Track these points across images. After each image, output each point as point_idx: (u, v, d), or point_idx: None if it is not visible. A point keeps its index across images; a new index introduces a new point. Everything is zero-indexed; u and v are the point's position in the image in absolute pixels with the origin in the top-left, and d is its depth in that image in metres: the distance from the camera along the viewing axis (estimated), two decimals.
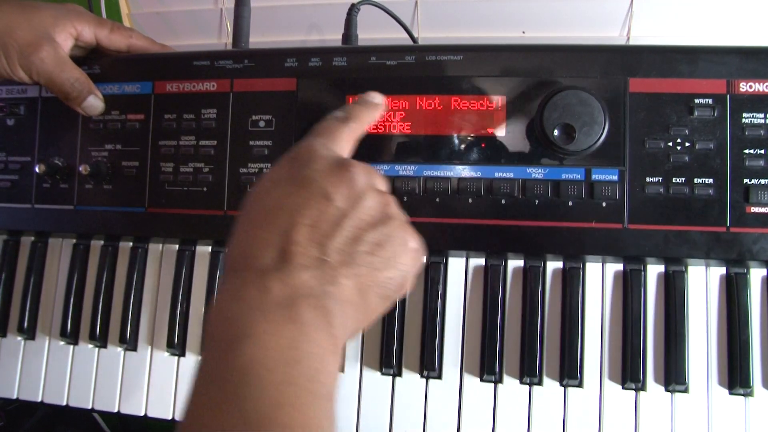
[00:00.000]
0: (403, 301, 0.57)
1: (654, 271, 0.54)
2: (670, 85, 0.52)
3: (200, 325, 0.61)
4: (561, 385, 0.54)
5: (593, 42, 0.60)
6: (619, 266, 0.55)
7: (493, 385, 0.55)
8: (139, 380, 0.61)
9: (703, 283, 0.53)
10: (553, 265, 0.56)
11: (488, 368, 0.54)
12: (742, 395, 0.51)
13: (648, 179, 0.52)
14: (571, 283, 0.54)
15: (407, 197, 0.55)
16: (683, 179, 0.51)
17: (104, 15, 0.87)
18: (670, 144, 0.52)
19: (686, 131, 0.51)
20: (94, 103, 0.60)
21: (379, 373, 0.57)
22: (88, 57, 0.63)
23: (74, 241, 0.65)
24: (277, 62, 0.58)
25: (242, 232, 0.40)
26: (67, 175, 0.62)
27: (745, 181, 0.51)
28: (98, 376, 0.62)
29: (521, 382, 0.54)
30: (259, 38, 0.80)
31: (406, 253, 0.42)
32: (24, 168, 0.63)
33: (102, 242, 0.64)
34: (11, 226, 0.64)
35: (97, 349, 0.63)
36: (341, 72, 0.57)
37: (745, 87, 0.51)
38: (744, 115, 0.51)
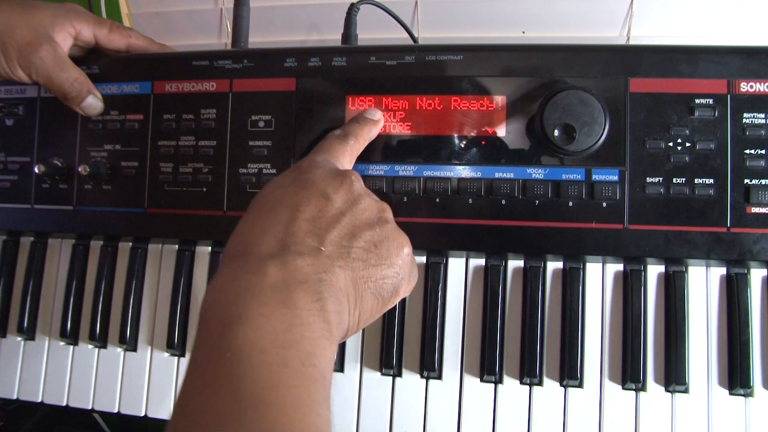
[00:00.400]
0: (403, 302, 0.57)
1: (654, 271, 0.54)
2: (671, 85, 0.52)
3: None
4: (561, 385, 0.53)
5: (593, 42, 0.60)
6: (620, 266, 0.55)
7: (493, 385, 0.55)
8: (139, 381, 0.61)
9: (704, 283, 0.53)
10: (554, 266, 0.56)
11: (488, 369, 0.54)
12: (743, 395, 0.51)
13: (648, 179, 0.52)
14: (572, 284, 0.54)
15: (407, 197, 0.55)
16: (684, 179, 0.51)
17: (104, 15, 0.87)
18: (671, 144, 0.51)
19: (687, 131, 0.51)
20: (93, 103, 0.60)
21: (379, 374, 0.57)
22: (87, 57, 0.63)
23: (74, 241, 0.65)
24: (277, 62, 0.58)
25: (242, 225, 0.42)
26: (67, 176, 0.62)
27: (746, 181, 0.50)
28: (98, 377, 0.62)
29: (521, 383, 0.54)
30: (259, 38, 0.80)
31: (401, 255, 0.43)
32: (23, 168, 0.63)
33: (101, 243, 0.64)
34: (11, 227, 0.64)
35: (97, 349, 0.63)
36: (341, 72, 0.57)
37: (745, 87, 0.51)
38: (745, 115, 0.51)
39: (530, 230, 0.53)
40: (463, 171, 0.55)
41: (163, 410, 0.61)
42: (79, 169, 0.60)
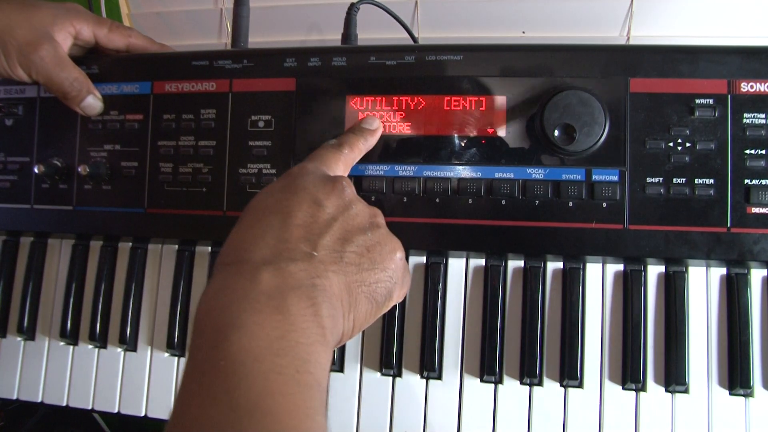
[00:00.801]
0: (403, 302, 0.57)
1: (654, 271, 0.54)
2: (671, 85, 0.52)
3: None
4: (561, 385, 0.53)
5: (593, 42, 0.60)
6: (620, 266, 0.55)
7: (493, 385, 0.55)
8: (139, 381, 0.61)
9: (704, 283, 0.53)
10: (554, 266, 0.56)
11: (488, 369, 0.54)
12: (743, 396, 0.51)
13: (648, 180, 0.52)
14: (572, 284, 0.54)
15: (407, 198, 0.55)
16: (684, 180, 0.51)
17: (104, 15, 0.87)
18: (671, 144, 0.51)
19: (687, 131, 0.51)
20: (93, 103, 0.60)
21: (379, 374, 0.57)
22: (87, 57, 0.63)
23: (73, 241, 0.65)
24: (276, 62, 0.58)
25: (235, 233, 0.42)
26: (66, 176, 0.62)
27: (746, 181, 0.50)
28: (98, 377, 0.62)
29: (521, 383, 0.54)
30: (259, 38, 0.80)
31: (393, 260, 0.44)
32: (23, 168, 0.63)
33: (101, 243, 0.64)
34: (10, 227, 0.64)
35: (96, 349, 0.63)
36: (341, 72, 0.57)
37: (746, 87, 0.51)
38: (745, 115, 0.51)
39: (530, 230, 0.53)
40: (463, 171, 0.54)
41: (163, 410, 0.61)
42: (79, 170, 0.60)
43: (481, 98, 0.55)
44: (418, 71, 0.56)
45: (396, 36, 0.73)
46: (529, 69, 0.54)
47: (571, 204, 0.53)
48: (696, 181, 0.51)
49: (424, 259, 0.57)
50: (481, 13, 0.71)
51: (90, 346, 0.63)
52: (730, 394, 0.51)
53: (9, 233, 0.67)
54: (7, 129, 0.64)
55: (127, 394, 0.61)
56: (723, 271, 0.53)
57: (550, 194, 0.53)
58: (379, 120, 0.55)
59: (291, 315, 0.35)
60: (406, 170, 0.55)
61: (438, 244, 0.55)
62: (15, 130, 0.64)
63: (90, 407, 0.62)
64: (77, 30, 0.60)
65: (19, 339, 0.65)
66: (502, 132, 0.54)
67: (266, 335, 0.34)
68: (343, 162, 0.50)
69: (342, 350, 0.57)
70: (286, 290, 0.36)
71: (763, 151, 0.50)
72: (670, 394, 0.52)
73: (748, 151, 0.51)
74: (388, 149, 0.56)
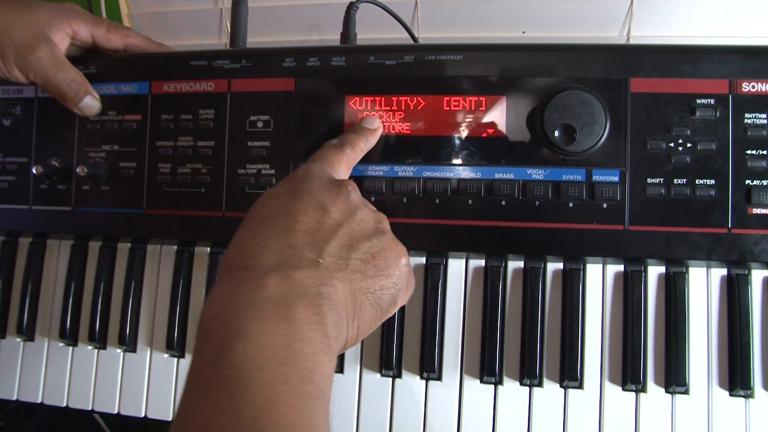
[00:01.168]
0: None
1: (655, 271, 0.54)
2: (672, 85, 0.51)
3: None
4: (561, 386, 0.53)
5: (593, 42, 0.59)
6: (620, 267, 0.55)
7: (493, 386, 0.54)
8: (138, 381, 0.61)
9: (704, 283, 0.53)
10: (554, 266, 0.56)
11: (488, 370, 0.54)
12: (743, 397, 0.51)
13: (649, 180, 0.51)
14: (572, 284, 0.54)
15: (406, 198, 0.55)
16: (685, 180, 0.51)
17: (104, 15, 0.87)
18: (672, 144, 0.51)
19: (688, 132, 0.51)
20: (91, 104, 0.60)
21: (378, 375, 0.56)
22: (85, 57, 0.63)
23: (72, 242, 0.65)
24: (275, 62, 0.58)
25: (239, 238, 0.42)
26: (65, 177, 0.62)
27: (747, 182, 0.50)
28: (98, 378, 0.62)
29: (521, 384, 0.54)
30: (258, 39, 0.79)
31: (398, 266, 0.43)
32: (21, 169, 0.63)
33: (100, 243, 0.64)
34: (9, 227, 0.64)
35: (96, 350, 0.63)
36: (340, 72, 0.57)
37: (747, 87, 0.50)
38: (746, 115, 0.50)
39: (530, 231, 0.53)
40: (463, 171, 0.54)
41: (163, 411, 0.60)
42: (77, 170, 0.60)
43: (480, 98, 0.54)
44: (417, 71, 0.55)
45: (396, 36, 0.73)
46: (529, 69, 0.54)
47: (571, 205, 0.52)
48: (697, 181, 0.51)
49: (423, 259, 0.57)
50: (481, 13, 0.71)
51: (89, 347, 0.63)
52: (731, 395, 0.51)
53: (8, 234, 0.67)
54: (5, 129, 0.64)
55: (126, 395, 0.61)
56: (724, 271, 0.53)
57: (550, 195, 0.53)
58: (379, 120, 0.55)
59: (296, 323, 0.35)
60: (405, 171, 0.55)
61: (438, 245, 0.55)
62: (13, 131, 0.64)
63: (90, 408, 0.62)
64: (75, 30, 0.60)
65: (18, 340, 0.65)
66: (501, 132, 0.54)
67: (272, 344, 0.34)
68: (345, 162, 0.50)
69: (336, 352, 0.57)
70: (292, 298, 0.36)
71: (765, 152, 0.50)
72: (670, 395, 0.52)
73: (749, 152, 0.50)
74: (388, 150, 0.56)
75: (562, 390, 0.53)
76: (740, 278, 0.52)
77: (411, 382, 0.56)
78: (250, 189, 0.58)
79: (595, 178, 0.52)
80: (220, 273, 0.40)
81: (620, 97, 0.52)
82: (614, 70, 0.52)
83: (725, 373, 0.52)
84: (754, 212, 0.50)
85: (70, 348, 0.63)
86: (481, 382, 0.55)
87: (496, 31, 0.72)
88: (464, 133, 0.54)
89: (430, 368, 0.55)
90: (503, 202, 0.53)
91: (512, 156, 0.54)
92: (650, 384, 0.52)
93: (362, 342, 0.57)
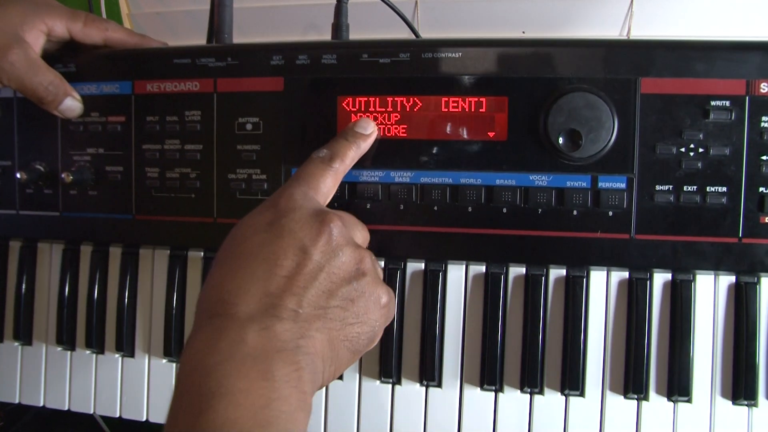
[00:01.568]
0: (401, 309, 0.56)
1: (660, 279, 0.52)
2: (685, 85, 0.48)
3: None
4: (562, 395, 0.53)
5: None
6: (625, 274, 0.53)
7: (493, 394, 0.54)
8: (138, 386, 0.61)
9: (711, 292, 0.51)
10: (556, 273, 0.54)
11: (488, 377, 0.53)
12: (746, 406, 0.50)
13: (658, 187, 0.49)
14: (574, 292, 0.52)
15: (403, 205, 0.53)
16: (695, 187, 0.48)
17: (104, 15, 0.85)
18: (683, 150, 0.48)
19: (700, 136, 0.48)
20: (72, 105, 0.57)
21: (378, 382, 0.56)
22: (63, 54, 0.59)
23: (63, 246, 0.63)
24: (263, 60, 0.55)
25: (218, 275, 0.41)
26: (50, 181, 0.60)
27: (761, 189, 0.48)
28: (98, 382, 0.62)
29: (522, 392, 0.53)
30: (255, 39, 0.76)
31: (377, 309, 0.44)
32: (5, 173, 0.61)
33: (92, 248, 0.63)
34: None
35: (95, 355, 0.62)
36: (331, 70, 0.53)
37: (766, 88, 0.47)
38: (763, 118, 0.47)
39: (532, 240, 0.51)
40: (462, 177, 0.52)
41: (165, 415, 0.61)
42: (62, 176, 0.57)
43: (481, 99, 0.51)
44: (413, 70, 0.52)
45: (396, 36, 0.70)
46: (532, 67, 0.50)
47: (575, 212, 0.50)
48: (708, 188, 0.48)
49: (422, 265, 0.56)
50: (481, 13, 0.68)
51: (88, 352, 0.63)
52: (734, 404, 0.50)
53: None
54: None
55: (127, 399, 0.61)
56: (732, 279, 0.51)
57: (553, 202, 0.50)
58: (374, 123, 0.52)
59: (276, 381, 0.35)
60: (402, 176, 0.53)
61: (436, 254, 0.54)
62: None
63: (92, 411, 0.62)
64: (49, 27, 0.56)
65: (16, 344, 0.64)
66: (503, 136, 0.51)
67: (251, 404, 0.33)
68: (332, 177, 0.48)
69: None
70: (271, 353, 0.36)
71: None
72: (672, 404, 0.51)
73: (764, 157, 0.48)
74: (383, 154, 0.53)
75: (563, 398, 0.53)
76: (749, 287, 0.50)
77: (410, 390, 0.55)
78: (241, 195, 0.56)
79: (601, 184, 0.50)
80: (197, 315, 0.40)
81: (629, 98, 0.49)
82: (623, 70, 0.49)
83: (729, 383, 0.51)
84: (766, 221, 0.48)
85: (69, 352, 0.63)
86: (482, 389, 0.54)
87: (496, 31, 0.69)
88: (463, 136, 0.52)
89: (429, 376, 0.54)
90: (504, 210, 0.51)
91: (514, 161, 0.51)
92: (652, 394, 0.51)
93: None
